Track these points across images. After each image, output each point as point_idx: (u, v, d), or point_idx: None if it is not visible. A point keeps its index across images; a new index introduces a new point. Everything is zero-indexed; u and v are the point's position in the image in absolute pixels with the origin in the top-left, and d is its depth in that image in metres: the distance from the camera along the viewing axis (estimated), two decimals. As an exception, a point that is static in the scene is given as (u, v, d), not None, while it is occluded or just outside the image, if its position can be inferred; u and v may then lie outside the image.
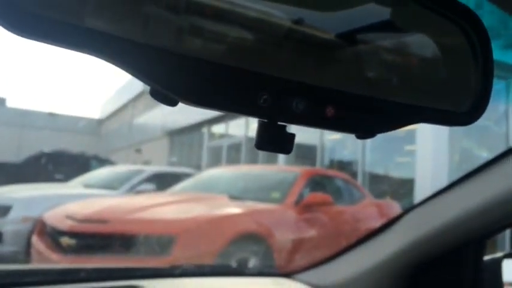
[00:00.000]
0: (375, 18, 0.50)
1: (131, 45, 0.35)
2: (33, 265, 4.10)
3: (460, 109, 0.54)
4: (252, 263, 3.71)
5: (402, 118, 0.50)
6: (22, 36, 0.32)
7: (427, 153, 6.59)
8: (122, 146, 20.93)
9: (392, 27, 0.51)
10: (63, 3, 0.34)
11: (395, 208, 5.64)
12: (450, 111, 0.54)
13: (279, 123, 0.44)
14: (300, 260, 3.98)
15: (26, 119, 22.13)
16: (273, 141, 0.44)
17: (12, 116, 22.14)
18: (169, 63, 0.37)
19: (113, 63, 0.35)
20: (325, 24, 0.48)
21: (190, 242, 3.58)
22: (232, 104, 0.41)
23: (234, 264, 3.61)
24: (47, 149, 12.26)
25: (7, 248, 5.28)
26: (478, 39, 0.53)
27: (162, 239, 3.50)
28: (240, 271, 1.70)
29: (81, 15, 0.34)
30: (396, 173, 8.31)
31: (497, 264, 1.09)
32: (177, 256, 3.40)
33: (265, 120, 0.44)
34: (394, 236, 1.10)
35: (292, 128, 0.46)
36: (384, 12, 0.50)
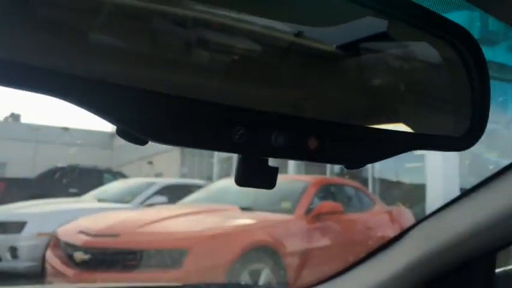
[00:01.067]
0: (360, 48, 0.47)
1: (92, 84, 0.33)
2: (45, 286, 4.12)
3: (456, 133, 0.51)
4: (265, 274, 3.71)
5: (394, 146, 0.48)
6: None
7: (437, 157, 6.53)
8: (133, 158, 21.04)
9: (381, 51, 0.49)
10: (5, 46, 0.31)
11: (407, 215, 5.60)
12: (446, 136, 0.52)
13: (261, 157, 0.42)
14: (311, 270, 3.97)
15: (40, 134, 22.38)
16: (253, 176, 0.42)
17: (26, 132, 22.40)
18: (132, 101, 0.34)
19: (73, 103, 0.33)
20: (305, 52, 0.45)
21: (202, 255, 3.59)
22: (205, 141, 0.38)
23: (246, 276, 3.61)
24: (61, 163, 12.37)
25: (23, 264, 5.34)
26: (473, 58, 0.51)
27: (173, 252, 3.52)
28: (248, 288, 1.66)
29: (34, 53, 0.32)
30: (407, 179, 8.23)
31: (509, 277, 1.06)
32: (188, 269, 3.42)
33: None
34: (403, 251, 1.07)
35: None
36: (373, 35, 0.47)
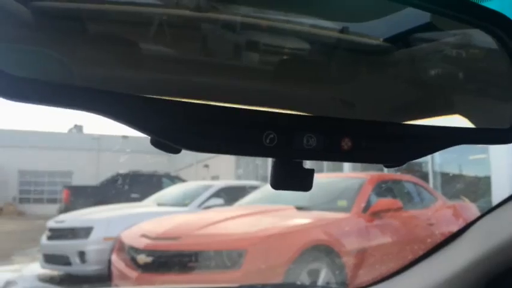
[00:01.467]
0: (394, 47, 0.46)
1: (125, 99, 0.35)
2: None
3: (503, 125, 0.49)
4: (324, 273, 3.67)
5: (435, 142, 0.45)
6: (16, 101, 0.31)
7: (502, 148, 6.19)
8: (190, 162, 21.50)
9: (423, 44, 0.48)
10: (53, 66, 0.33)
11: (472, 209, 5.35)
12: (491, 129, 0.50)
13: (294, 159, 0.42)
14: (370, 268, 3.88)
15: (101, 143, 23.41)
16: (288, 179, 0.42)
17: (89, 142, 23.49)
18: (164, 112, 0.36)
19: (110, 118, 0.35)
20: (347, 48, 0.45)
21: (260, 255, 3.61)
22: (236, 147, 0.39)
23: (305, 275, 3.59)
24: (122, 170, 12.88)
25: (91, 267, 5.62)
26: None
27: (232, 253, 3.56)
28: (304, 288, 1.65)
29: (73, 75, 0.34)
30: (470, 171, 7.88)
31: None
32: (247, 269, 3.44)
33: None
34: (464, 248, 1.03)
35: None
36: (416, 28, 0.47)
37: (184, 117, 0.36)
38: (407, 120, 0.46)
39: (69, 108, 0.33)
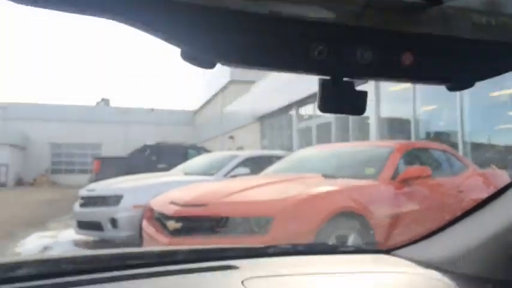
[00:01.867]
0: None
1: (152, 4, 0.30)
2: (136, 248, 4.42)
3: None
4: (352, 239, 3.68)
5: (508, 60, 0.40)
6: (22, 3, 0.28)
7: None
8: (215, 134, 21.61)
9: None
10: None
11: (503, 176, 5.24)
12: None
13: (344, 79, 0.37)
14: (400, 236, 3.87)
15: (128, 115, 23.71)
16: (338, 100, 0.37)
17: (116, 114, 23.83)
18: (197, 20, 0.30)
19: (136, 27, 0.30)
20: None
21: (287, 222, 3.64)
22: (279, 61, 0.34)
23: (333, 241, 3.61)
24: (150, 141, 13.10)
25: (122, 233, 5.81)
26: None
27: (259, 220, 3.60)
28: (336, 249, 1.65)
29: None
30: (501, 141, 7.68)
31: None
32: (275, 235, 3.48)
33: (328, 78, 0.37)
34: (503, 208, 1.02)
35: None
36: None
37: (221, 26, 0.31)
38: (479, 36, 0.39)
39: (89, 14, 0.29)
